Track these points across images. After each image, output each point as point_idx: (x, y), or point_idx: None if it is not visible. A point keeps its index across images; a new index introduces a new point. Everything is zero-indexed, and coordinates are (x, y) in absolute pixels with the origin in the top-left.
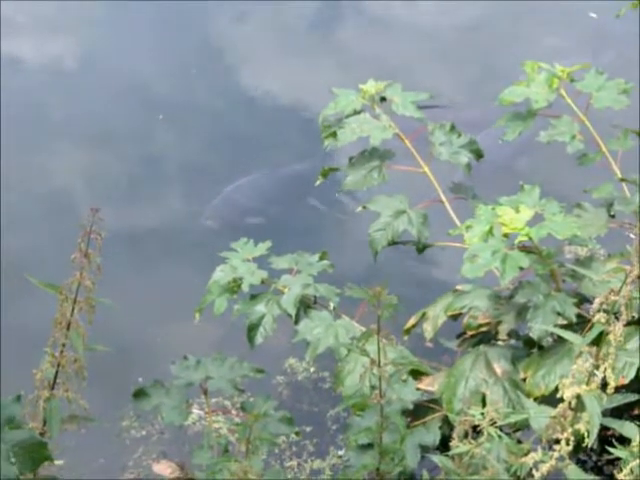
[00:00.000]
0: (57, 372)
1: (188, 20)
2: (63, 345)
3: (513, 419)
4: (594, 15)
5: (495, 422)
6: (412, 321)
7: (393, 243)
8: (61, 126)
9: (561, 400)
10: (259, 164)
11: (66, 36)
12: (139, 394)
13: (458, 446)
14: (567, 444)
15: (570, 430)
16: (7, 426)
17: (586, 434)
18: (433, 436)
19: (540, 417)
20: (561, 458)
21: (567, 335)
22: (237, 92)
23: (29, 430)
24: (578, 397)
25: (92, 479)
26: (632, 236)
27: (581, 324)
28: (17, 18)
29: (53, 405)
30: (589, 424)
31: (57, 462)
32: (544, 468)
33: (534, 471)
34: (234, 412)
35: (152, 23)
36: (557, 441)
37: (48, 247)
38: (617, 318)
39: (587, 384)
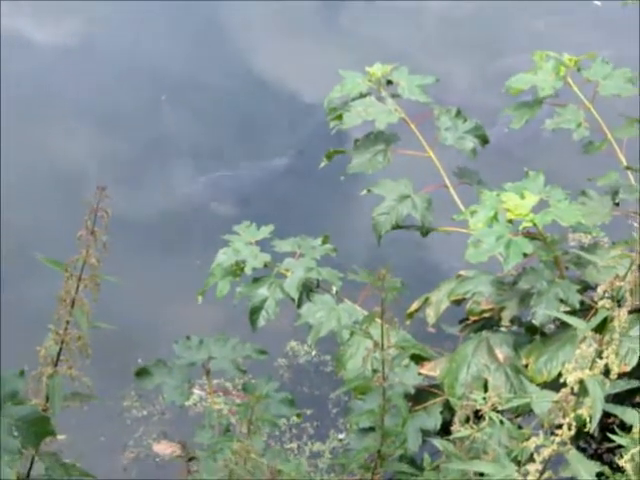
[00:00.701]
0: (61, 349)
1: (195, 1)
2: (67, 322)
3: (515, 403)
4: (598, 3)
5: (496, 407)
6: (415, 306)
7: (397, 227)
8: (67, 106)
9: (564, 386)
10: (263, 146)
11: (73, 15)
12: (141, 373)
13: (459, 430)
14: (569, 429)
15: (572, 415)
16: (10, 401)
17: (588, 419)
18: (434, 421)
19: (542, 402)
20: (563, 443)
21: (571, 320)
22: (243, 74)
23: (32, 405)
24: (581, 382)
25: (93, 457)
26: (636, 224)
27: (584, 311)
28: None
29: (56, 382)
30: (592, 409)
31: (59, 437)
32: (545, 452)
33: (535, 455)
34: (235, 393)
35: (159, 4)
36: (559, 426)
37: (52, 226)
38: (620, 305)
39: (590, 369)
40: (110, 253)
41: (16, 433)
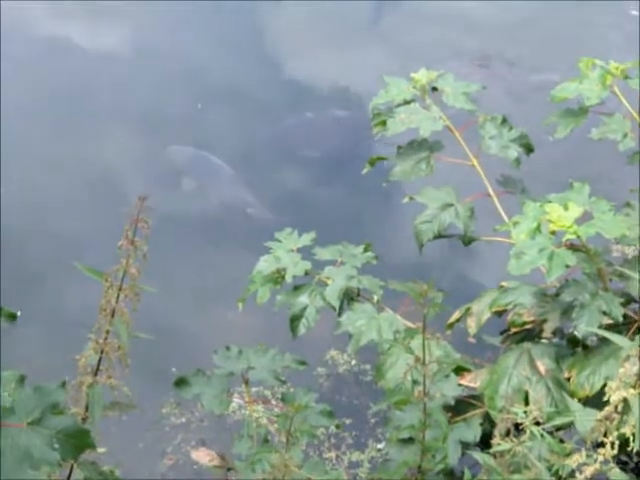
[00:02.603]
0: (100, 358)
1: (238, 7)
2: (107, 332)
3: (558, 422)
4: (636, 13)
5: (538, 421)
6: (456, 316)
7: (439, 236)
8: (111, 110)
9: (606, 401)
10: (302, 153)
11: (117, 22)
12: (180, 382)
13: (500, 444)
14: (612, 448)
15: (615, 434)
16: (51, 412)
17: (631, 438)
18: (474, 432)
19: (585, 420)
20: (605, 462)
21: (615, 338)
22: (282, 80)
23: (72, 417)
24: (625, 401)
25: (131, 464)
26: None
27: (627, 324)
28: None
29: (96, 391)
30: (635, 428)
31: (100, 450)
32: (588, 471)
33: (577, 474)
34: (274, 402)
35: (202, 10)
36: (601, 444)
37: (94, 232)
38: None
39: (634, 387)
40: (150, 259)
41: (56, 445)
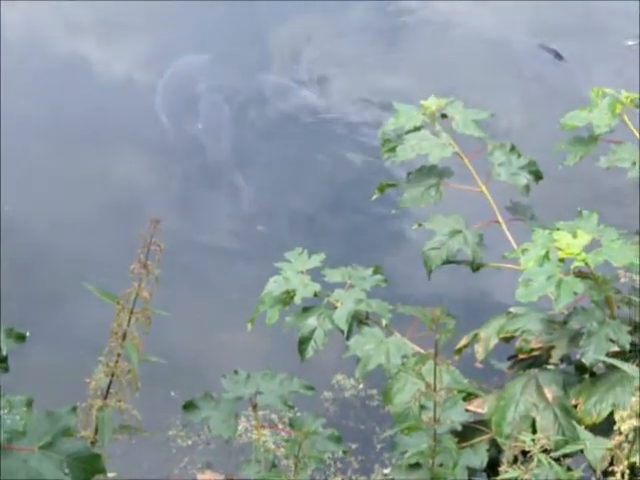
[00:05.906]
0: (111, 382)
1: (257, 26)
2: (118, 355)
3: (568, 450)
4: (631, 43)
5: (546, 449)
6: (464, 341)
7: (447, 262)
8: (125, 131)
9: (613, 429)
10: (315, 175)
11: (133, 40)
12: (189, 406)
13: (507, 471)
14: (622, 477)
15: (625, 462)
16: (62, 436)
17: None
18: (481, 458)
19: (595, 448)
20: None
21: (623, 366)
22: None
23: (84, 441)
24: (635, 430)
25: None
26: None
27: (635, 352)
28: (84, 20)
29: (106, 415)
30: None
31: (110, 475)
32: None
33: None
34: (281, 426)
35: (219, 29)
36: (611, 472)
37: (104, 253)
38: None
39: None
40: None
41: (67, 470)
